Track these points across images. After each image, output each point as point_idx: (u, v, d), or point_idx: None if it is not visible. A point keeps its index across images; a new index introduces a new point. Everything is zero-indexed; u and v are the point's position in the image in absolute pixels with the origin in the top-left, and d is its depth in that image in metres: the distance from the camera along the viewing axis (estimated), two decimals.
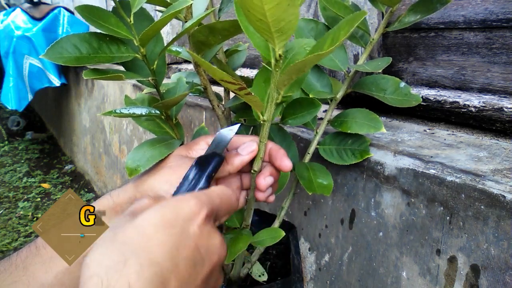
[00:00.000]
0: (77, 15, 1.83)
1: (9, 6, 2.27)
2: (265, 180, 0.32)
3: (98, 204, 0.32)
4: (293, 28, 0.24)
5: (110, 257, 0.20)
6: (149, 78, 0.34)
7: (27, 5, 1.92)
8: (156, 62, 0.34)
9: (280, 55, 0.26)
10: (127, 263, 0.19)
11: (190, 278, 0.21)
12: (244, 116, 0.46)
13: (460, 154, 0.43)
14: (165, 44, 0.35)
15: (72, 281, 0.30)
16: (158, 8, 0.38)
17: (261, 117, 0.31)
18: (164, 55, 0.35)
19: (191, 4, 0.36)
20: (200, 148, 0.34)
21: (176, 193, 0.29)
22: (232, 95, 0.48)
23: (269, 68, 0.29)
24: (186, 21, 0.36)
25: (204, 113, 0.83)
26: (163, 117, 0.37)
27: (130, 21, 0.31)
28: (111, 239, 0.21)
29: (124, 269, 0.19)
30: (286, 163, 0.32)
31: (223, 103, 0.49)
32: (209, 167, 0.29)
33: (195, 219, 0.23)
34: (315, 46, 0.26)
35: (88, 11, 0.30)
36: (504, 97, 0.49)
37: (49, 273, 0.30)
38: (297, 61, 0.24)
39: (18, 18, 1.79)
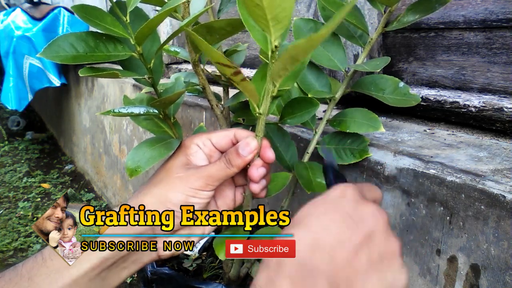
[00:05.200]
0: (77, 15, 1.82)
1: (9, 6, 2.28)
2: (257, 171, 0.32)
3: None
4: (288, 16, 0.24)
5: (304, 230, 0.24)
6: (146, 77, 0.34)
7: (27, 5, 1.92)
8: (153, 61, 0.34)
9: (276, 46, 0.26)
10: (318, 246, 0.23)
11: (343, 237, 0.24)
12: (243, 116, 0.46)
13: (460, 154, 0.43)
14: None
15: None
16: (157, 8, 0.38)
17: (256, 109, 0.31)
18: (160, 54, 0.35)
19: (189, 4, 0.36)
20: (194, 151, 0.33)
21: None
22: (231, 94, 0.48)
23: (267, 61, 0.29)
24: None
25: (204, 113, 0.83)
26: (161, 116, 0.37)
27: (126, 20, 0.31)
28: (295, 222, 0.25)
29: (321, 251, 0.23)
30: (269, 154, 0.33)
31: (222, 102, 0.49)
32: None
33: (344, 195, 0.26)
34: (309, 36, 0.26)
35: (85, 11, 0.30)
36: (504, 97, 0.49)
37: (54, 285, 0.29)
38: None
39: (18, 18, 1.79)
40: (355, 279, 0.23)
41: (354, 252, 0.23)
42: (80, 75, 0.29)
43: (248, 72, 0.90)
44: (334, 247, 0.23)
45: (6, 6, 2.32)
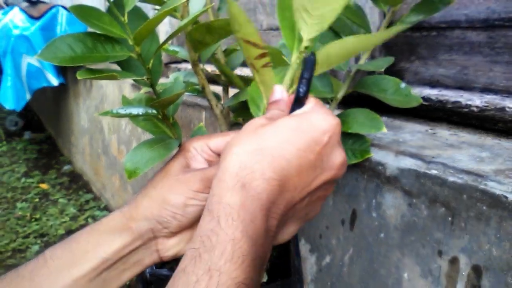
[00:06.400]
0: None
1: (7, 5, 2.27)
2: None
3: (110, 221, 0.32)
4: (333, 16, 0.22)
5: (251, 144, 0.24)
6: (145, 77, 0.34)
7: (25, 4, 1.91)
8: (151, 61, 0.34)
9: (306, 47, 0.25)
10: (263, 152, 0.23)
11: (307, 180, 0.24)
12: (243, 116, 0.46)
13: (462, 154, 0.42)
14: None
15: None
16: (156, 7, 0.37)
17: (265, 103, 0.30)
18: (160, 54, 0.35)
19: (188, 3, 0.35)
20: (193, 155, 0.33)
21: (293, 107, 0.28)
22: (231, 94, 0.47)
23: (287, 62, 0.28)
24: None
25: (203, 113, 0.83)
26: (160, 116, 0.36)
27: (124, 20, 0.31)
28: (253, 132, 0.25)
29: (260, 156, 0.23)
30: None
31: (222, 102, 0.49)
32: (304, 72, 0.27)
33: (328, 132, 0.25)
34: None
35: (82, 11, 0.30)
36: (507, 96, 0.48)
37: (55, 285, 0.29)
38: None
39: (16, 17, 1.79)
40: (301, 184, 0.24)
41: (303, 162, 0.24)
42: (78, 78, 0.28)
43: (248, 72, 0.89)
44: (278, 153, 0.23)
45: (4, 5, 2.30)
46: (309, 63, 0.26)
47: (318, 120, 0.25)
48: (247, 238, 0.21)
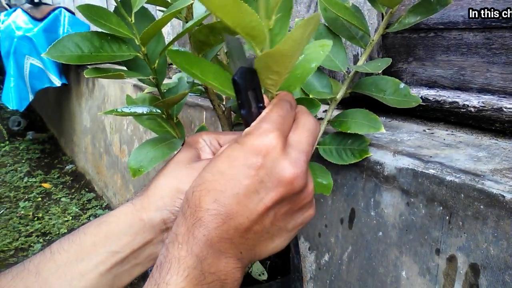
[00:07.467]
0: (78, 16, 1.83)
1: (10, 7, 2.28)
2: None
3: (119, 212, 0.31)
4: (260, 32, 0.23)
5: (195, 180, 0.26)
6: (150, 77, 0.34)
7: (28, 5, 1.93)
8: (157, 61, 0.35)
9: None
10: (200, 187, 0.25)
11: (250, 205, 0.25)
12: None
13: (459, 154, 0.43)
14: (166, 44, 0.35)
15: None
16: (159, 8, 0.38)
17: None
18: (165, 54, 0.36)
19: (192, 5, 0.36)
20: (202, 146, 0.33)
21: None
22: None
23: None
24: (187, 21, 0.36)
25: (204, 113, 0.83)
26: (164, 116, 0.37)
27: (131, 20, 0.31)
28: (205, 167, 0.27)
29: (197, 192, 0.25)
30: None
31: (224, 103, 0.49)
32: (255, 87, 0.26)
33: (260, 152, 0.25)
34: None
35: (90, 11, 0.30)
36: (503, 97, 0.49)
37: (63, 279, 0.29)
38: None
39: (19, 19, 1.80)
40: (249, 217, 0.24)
41: (247, 194, 0.24)
42: (86, 76, 0.29)
43: None
44: (220, 186, 0.24)
45: (6, 7, 2.32)
46: (234, 84, 0.25)
47: (249, 145, 0.25)
48: (192, 256, 0.24)
